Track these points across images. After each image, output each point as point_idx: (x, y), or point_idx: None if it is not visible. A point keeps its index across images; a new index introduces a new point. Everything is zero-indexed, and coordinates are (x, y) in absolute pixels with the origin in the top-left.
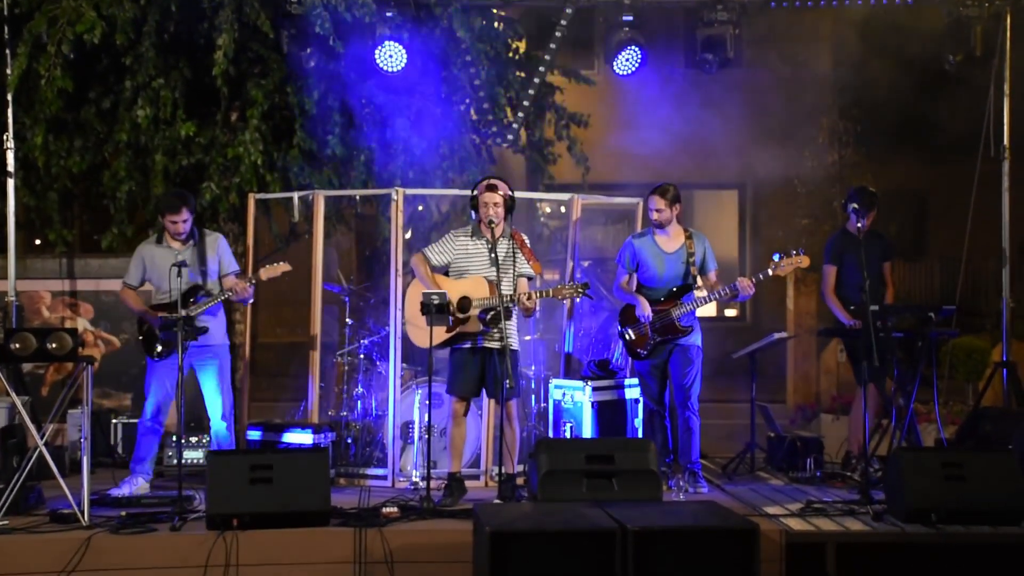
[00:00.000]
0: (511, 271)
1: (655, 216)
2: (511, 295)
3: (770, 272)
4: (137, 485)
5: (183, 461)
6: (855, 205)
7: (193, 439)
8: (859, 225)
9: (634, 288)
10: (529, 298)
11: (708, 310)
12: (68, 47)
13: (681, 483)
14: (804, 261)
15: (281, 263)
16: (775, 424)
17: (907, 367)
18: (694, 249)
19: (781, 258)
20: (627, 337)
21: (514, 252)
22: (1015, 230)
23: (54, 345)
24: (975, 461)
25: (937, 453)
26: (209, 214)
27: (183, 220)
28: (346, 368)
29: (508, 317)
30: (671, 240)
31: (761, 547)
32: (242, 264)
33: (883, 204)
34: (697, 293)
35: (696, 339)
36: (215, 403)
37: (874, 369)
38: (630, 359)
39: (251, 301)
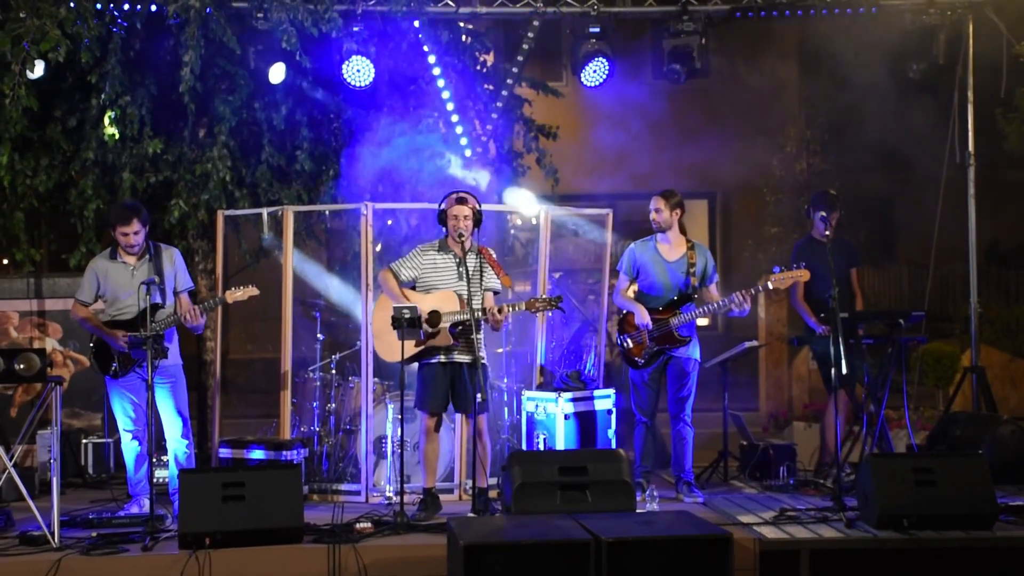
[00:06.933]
0: (480, 285)
1: (653, 216)
2: (480, 309)
3: (770, 285)
4: (144, 506)
5: (155, 480)
6: (823, 212)
7: (164, 458)
8: (827, 232)
9: (633, 296)
10: (500, 311)
11: None
12: (32, 66)
13: (678, 493)
14: (805, 275)
15: (250, 287)
16: (748, 432)
17: (877, 373)
18: (695, 260)
19: (780, 271)
20: (625, 345)
21: (482, 266)
22: (982, 235)
23: (22, 366)
24: (946, 466)
25: (908, 459)
26: (178, 231)
27: (135, 232)
28: (318, 384)
29: (478, 331)
30: (673, 249)
31: (735, 556)
32: (212, 281)
33: (851, 211)
34: (696, 305)
35: (694, 352)
36: (174, 424)
37: (844, 376)
38: (603, 371)
39: (201, 332)
